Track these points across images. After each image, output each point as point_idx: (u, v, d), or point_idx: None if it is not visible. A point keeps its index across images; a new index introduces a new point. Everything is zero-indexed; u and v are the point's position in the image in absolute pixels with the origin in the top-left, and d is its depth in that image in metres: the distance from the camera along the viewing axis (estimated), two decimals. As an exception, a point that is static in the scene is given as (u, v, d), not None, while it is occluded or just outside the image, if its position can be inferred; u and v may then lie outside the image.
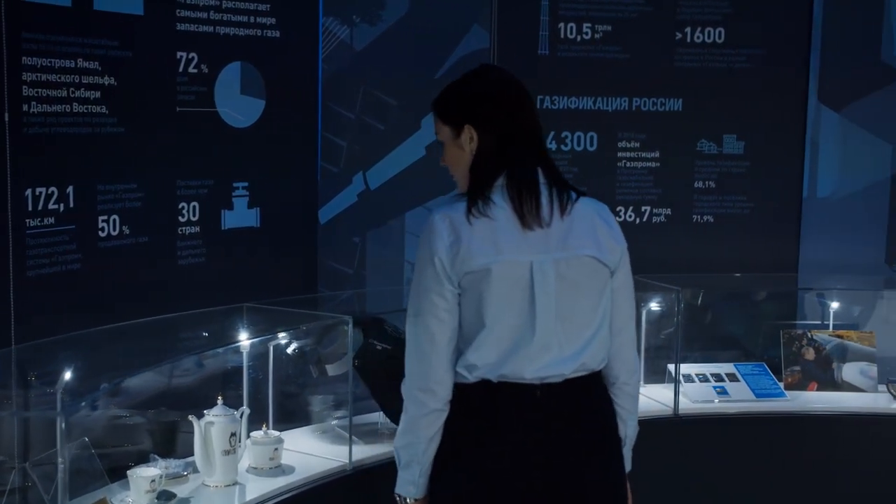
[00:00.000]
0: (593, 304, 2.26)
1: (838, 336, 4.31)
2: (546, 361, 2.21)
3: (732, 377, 4.20)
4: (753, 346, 4.47)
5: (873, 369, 4.24)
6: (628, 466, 2.42)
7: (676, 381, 3.95)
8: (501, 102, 2.27)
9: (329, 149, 3.96)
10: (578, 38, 4.42)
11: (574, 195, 2.29)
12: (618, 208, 4.50)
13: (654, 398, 4.10)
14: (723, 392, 4.09)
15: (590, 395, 2.28)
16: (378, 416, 3.54)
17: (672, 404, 3.92)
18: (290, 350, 3.47)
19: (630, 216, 4.51)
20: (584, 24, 4.42)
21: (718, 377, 4.19)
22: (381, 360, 3.45)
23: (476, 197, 2.23)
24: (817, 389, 4.21)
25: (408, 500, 2.31)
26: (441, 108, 2.32)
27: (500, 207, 2.22)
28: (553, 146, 4.40)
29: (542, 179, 2.25)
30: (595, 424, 2.29)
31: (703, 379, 4.15)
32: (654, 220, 4.53)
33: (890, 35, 4.50)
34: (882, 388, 4.21)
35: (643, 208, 4.52)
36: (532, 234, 2.21)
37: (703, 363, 4.25)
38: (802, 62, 4.55)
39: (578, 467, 2.24)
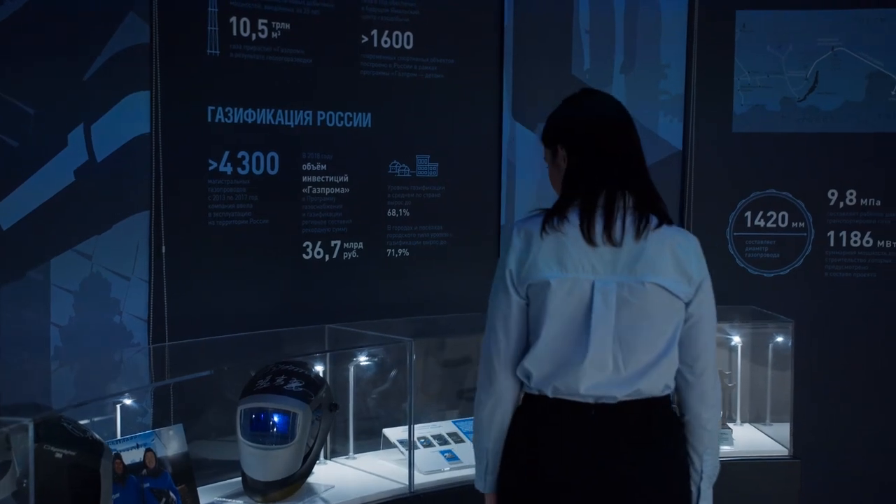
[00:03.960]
0: (659, 331, 2.39)
1: (555, 379, 4.13)
2: (599, 381, 2.35)
3: (456, 437, 3.83)
4: (469, 397, 4.17)
5: (592, 412, 4.12)
6: (708, 502, 2.53)
7: (411, 450, 3.50)
8: (592, 128, 2.44)
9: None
10: (253, 36, 3.80)
11: (655, 222, 2.39)
12: (304, 244, 3.94)
13: (377, 472, 3.63)
14: (452, 457, 3.69)
15: (647, 420, 2.39)
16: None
17: (406, 479, 3.47)
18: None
19: (318, 253, 3.97)
20: (260, 20, 3.80)
21: (442, 439, 3.80)
22: (63, 471, 2.62)
23: (553, 213, 2.40)
24: (539, 440, 4.01)
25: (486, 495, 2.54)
26: (542, 132, 2.56)
27: (573, 225, 2.38)
28: (228, 169, 3.75)
29: (621, 202, 2.38)
30: (649, 451, 2.39)
31: (426, 443, 3.75)
32: (345, 257, 4.05)
33: (580, 48, 4.44)
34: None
35: (333, 242, 4.01)
36: (600, 252, 2.36)
37: (415, 423, 3.84)
38: (496, 74, 4.35)
39: (628, 491, 2.36)
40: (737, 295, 4.46)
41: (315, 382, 3.36)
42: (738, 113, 4.52)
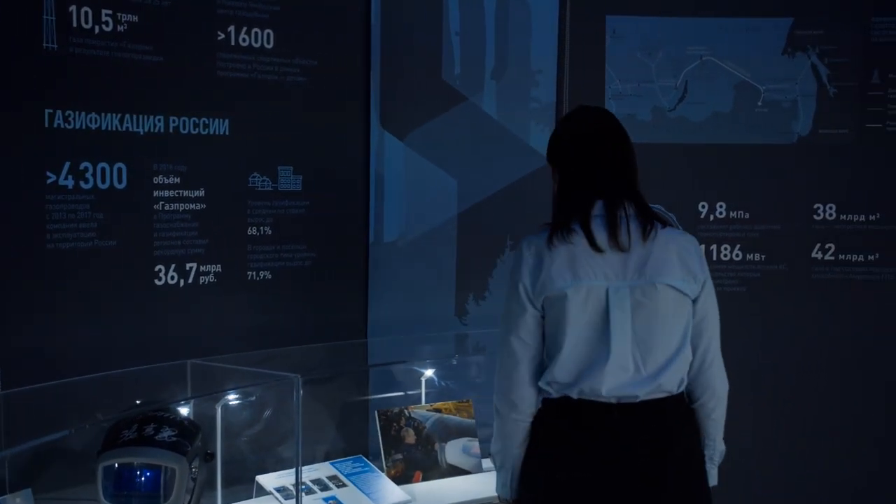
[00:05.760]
0: (672, 330, 2.51)
1: (437, 410, 3.84)
2: (622, 381, 2.46)
3: (337, 481, 3.47)
4: (342, 435, 3.81)
5: (475, 444, 3.83)
6: (713, 481, 2.67)
7: (299, 499, 3.12)
8: (577, 142, 2.55)
9: None
10: (96, 28, 3.31)
11: (659, 225, 2.52)
12: (157, 268, 3.49)
13: (253, 528, 3.23)
14: (338, 504, 3.35)
15: (664, 416, 2.50)
16: None
17: (292, 535, 3.10)
18: None
19: (172, 278, 3.52)
20: (104, 11, 3.32)
21: (322, 484, 3.43)
22: None
23: (557, 226, 2.49)
24: (422, 479, 3.69)
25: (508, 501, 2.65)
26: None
27: (580, 235, 2.47)
28: (69, 183, 3.25)
29: (622, 210, 2.49)
30: (669, 448, 2.48)
31: (307, 489, 3.36)
32: (201, 281, 3.61)
33: (451, 51, 4.17)
34: (487, 462, 3.85)
35: (188, 266, 3.56)
36: (610, 258, 2.46)
37: (289, 467, 3.46)
38: (362, 78, 4.01)
39: (651, 488, 2.44)
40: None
41: (189, 430, 2.93)
42: (610, 123, 4.37)
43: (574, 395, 2.46)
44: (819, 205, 4.46)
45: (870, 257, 4.43)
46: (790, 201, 4.45)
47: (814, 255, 4.47)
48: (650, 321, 2.47)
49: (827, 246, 4.48)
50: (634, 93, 4.40)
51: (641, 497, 2.44)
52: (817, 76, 4.43)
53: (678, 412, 2.55)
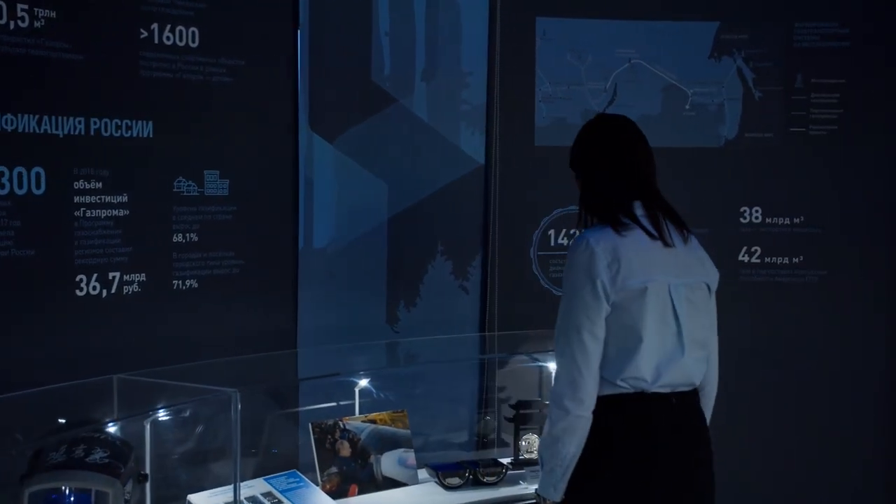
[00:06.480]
0: (707, 325, 2.71)
1: (372, 421, 3.73)
2: (684, 373, 2.62)
3: (272, 497, 3.33)
4: (274, 449, 3.67)
5: (411, 455, 3.74)
6: None
7: (238, 519, 2.98)
8: (612, 146, 2.69)
9: None
10: (12, 24, 3.11)
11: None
12: (78, 278, 3.29)
13: (187, 551, 3.07)
14: (274, 522, 3.22)
15: (699, 401, 2.71)
16: None
17: (230, 557, 2.96)
18: None
19: (94, 288, 3.33)
20: (19, 6, 3.12)
21: (257, 501, 3.28)
22: None
23: (613, 222, 2.58)
24: (358, 493, 3.58)
25: (548, 502, 2.62)
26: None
27: (638, 229, 2.59)
28: (-16, 188, 3.06)
29: (658, 211, 2.65)
30: (704, 424, 2.72)
31: (241, 508, 3.23)
32: (125, 291, 3.42)
33: (380, 51, 4.06)
34: (423, 473, 3.76)
35: (111, 275, 3.38)
36: (666, 256, 2.59)
37: (223, 485, 3.32)
38: (290, 78, 3.87)
39: (700, 458, 2.65)
40: (542, 318, 4.20)
41: (122, 450, 2.76)
42: (541, 125, 4.32)
43: (651, 389, 2.55)
44: (745, 208, 4.48)
45: (794, 259, 4.47)
46: (717, 204, 4.47)
47: (740, 257, 4.49)
48: (696, 316, 2.63)
49: (753, 249, 4.51)
50: (564, 95, 4.36)
51: (697, 479, 2.62)
52: (743, 80, 4.45)
53: (698, 399, 2.73)
